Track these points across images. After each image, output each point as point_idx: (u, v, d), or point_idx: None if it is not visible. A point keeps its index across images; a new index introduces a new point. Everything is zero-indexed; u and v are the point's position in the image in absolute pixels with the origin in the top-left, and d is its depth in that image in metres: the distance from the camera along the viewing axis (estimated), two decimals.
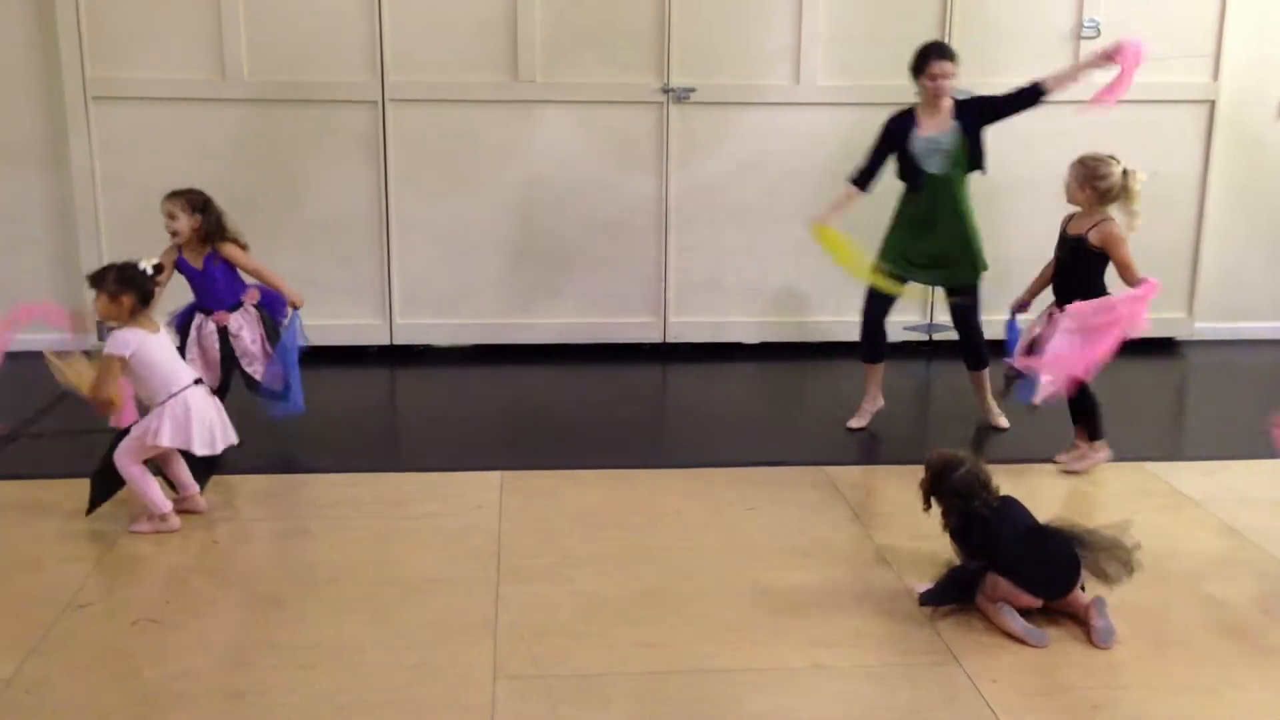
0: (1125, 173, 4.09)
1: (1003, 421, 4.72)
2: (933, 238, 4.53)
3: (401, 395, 5.65)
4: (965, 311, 4.67)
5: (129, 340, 3.65)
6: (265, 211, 5.63)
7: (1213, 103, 5.91)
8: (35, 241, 5.74)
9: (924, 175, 4.48)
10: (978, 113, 4.53)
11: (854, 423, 4.69)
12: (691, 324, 5.92)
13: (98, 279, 3.72)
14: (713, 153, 5.76)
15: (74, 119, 5.49)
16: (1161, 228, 6.01)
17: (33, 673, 2.86)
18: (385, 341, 5.84)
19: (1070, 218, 4.29)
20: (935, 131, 4.47)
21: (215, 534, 3.69)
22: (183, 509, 3.77)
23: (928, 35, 5.74)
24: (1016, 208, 5.88)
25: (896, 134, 4.52)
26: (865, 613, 3.22)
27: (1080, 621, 3.11)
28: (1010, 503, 3.23)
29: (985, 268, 4.64)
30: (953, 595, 3.21)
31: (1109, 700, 2.81)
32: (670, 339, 5.94)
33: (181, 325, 4.35)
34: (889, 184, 4.61)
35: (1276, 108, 6.07)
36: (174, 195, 4.33)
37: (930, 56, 4.43)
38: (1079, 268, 4.16)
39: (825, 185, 5.59)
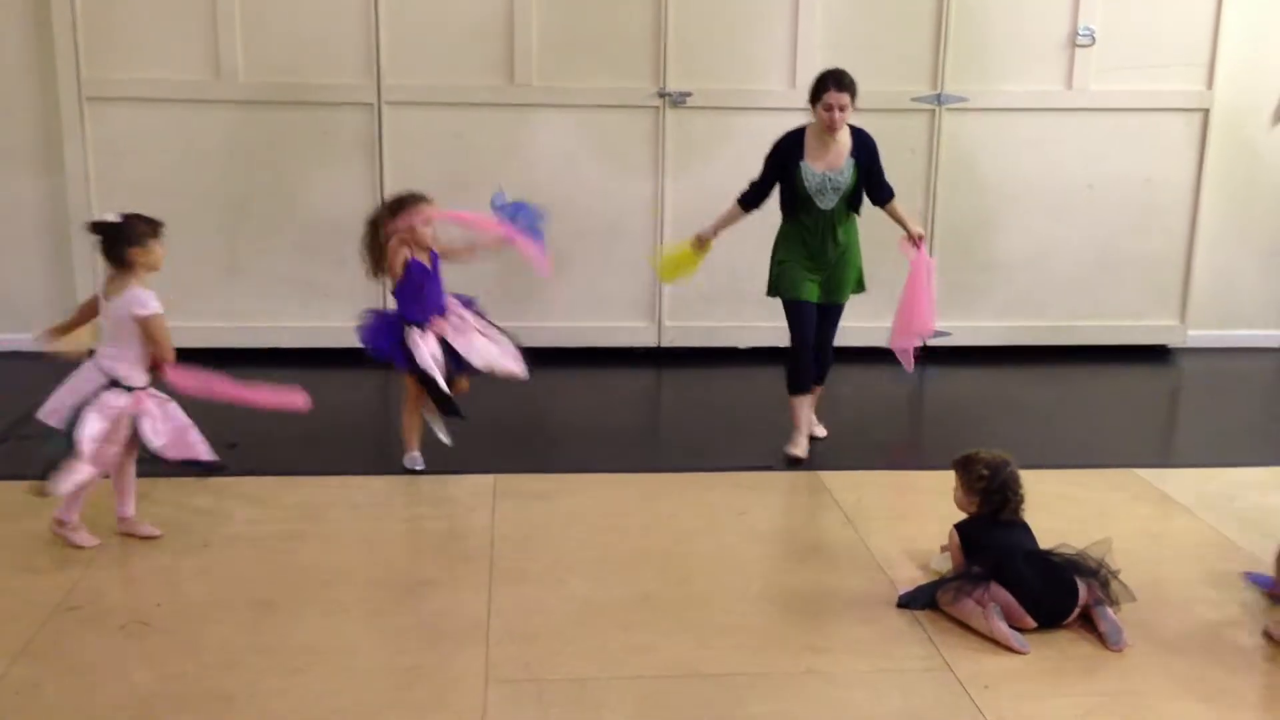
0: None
1: (820, 431, 4.65)
2: (821, 261, 4.38)
3: (395, 398, 5.62)
4: (829, 327, 4.48)
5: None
6: (260, 214, 5.64)
7: (1206, 111, 5.93)
8: (28, 243, 5.72)
9: (815, 210, 4.32)
10: (869, 158, 4.38)
11: (794, 450, 4.44)
12: (686, 328, 5.92)
13: (151, 228, 3.64)
14: (709, 157, 5.76)
15: (68, 120, 5.48)
16: (1154, 235, 6.03)
17: (23, 675, 2.85)
18: None
19: None
20: (827, 168, 4.30)
21: (207, 536, 3.68)
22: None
23: (924, 42, 5.79)
24: (1006, 215, 5.89)
25: (785, 159, 4.36)
26: (859, 618, 3.22)
27: (1068, 626, 3.14)
28: (1026, 525, 3.32)
29: (863, 289, 4.53)
30: (930, 598, 3.24)
31: (1101, 707, 2.81)
32: (665, 343, 5.94)
33: (390, 344, 4.22)
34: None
35: (1270, 116, 6.10)
36: (427, 199, 4.22)
37: (827, 85, 4.25)
38: None
39: None
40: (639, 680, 2.89)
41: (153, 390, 3.64)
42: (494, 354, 4.30)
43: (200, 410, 5.03)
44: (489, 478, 4.18)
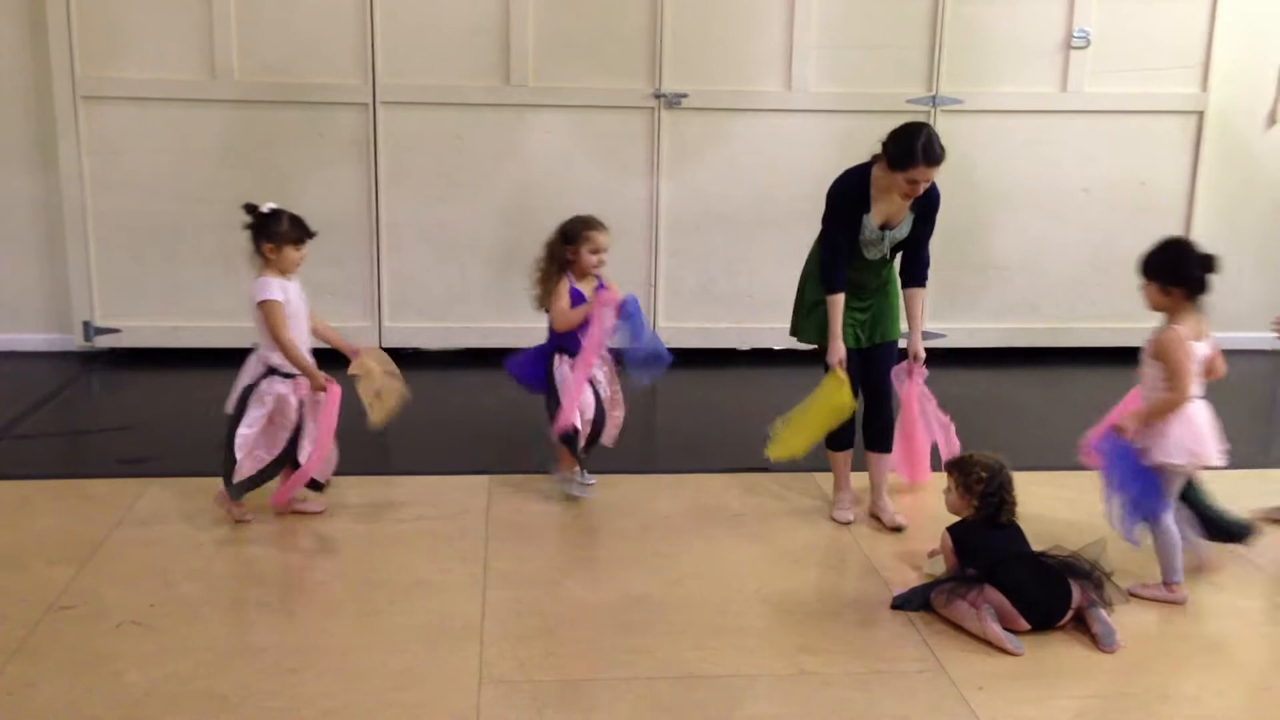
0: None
1: (900, 520, 3.86)
2: (861, 292, 3.85)
3: None
4: (881, 373, 3.94)
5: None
6: None
7: (1201, 113, 5.94)
8: (23, 241, 5.72)
9: (860, 258, 3.80)
10: (928, 212, 3.81)
11: (837, 515, 3.92)
12: (682, 329, 5.92)
13: (294, 233, 3.68)
14: (704, 158, 5.77)
15: (63, 118, 5.47)
16: (1149, 237, 5.95)
17: (16, 674, 2.84)
18: (374, 344, 5.83)
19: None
20: (886, 222, 3.77)
21: (201, 537, 3.67)
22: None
23: (920, 44, 5.79)
24: (1001, 217, 5.90)
25: (854, 211, 3.75)
26: (852, 619, 3.23)
27: (1061, 628, 3.14)
28: (1018, 527, 3.33)
29: (900, 334, 3.96)
30: (924, 599, 3.25)
31: (1093, 708, 2.82)
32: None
33: (537, 374, 4.03)
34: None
35: (1264, 118, 6.11)
36: (601, 226, 4.00)
37: (917, 160, 3.55)
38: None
39: (817, 192, 5.61)
40: (633, 681, 2.89)
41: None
42: (614, 424, 4.07)
43: (196, 410, 5.05)
44: (484, 478, 4.18)
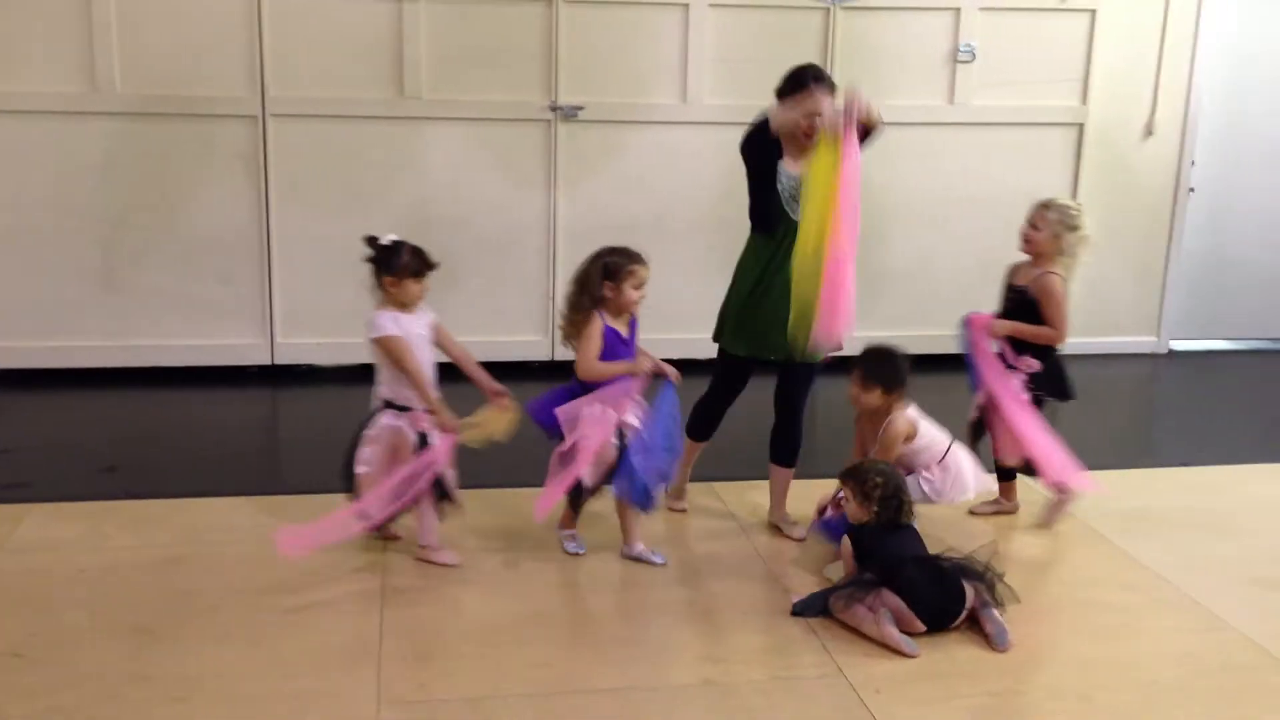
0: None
1: (798, 533, 3.86)
2: (782, 299, 3.59)
3: (283, 416, 5.52)
4: (799, 389, 3.88)
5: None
6: (139, 228, 5.47)
7: (1081, 125, 6.13)
8: None
9: (783, 221, 3.66)
10: None
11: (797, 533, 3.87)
12: None
13: (416, 265, 3.53)
14: (601, 171, 5.77)
15: None
16: None
17: None
18: (266, 361, 5.71)
19: (1016, 268, 4.01)
20: (803, 169, 3.62)
21: (84, 562, 3.55)
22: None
23: (812, 56, 5.84)
24: (891, 227, 6.01)
25: (767, 156, 3.66)
26: (754, 627, 3.24)
27: (956, 628, 3.21)
28: (914, 530, 3.40)
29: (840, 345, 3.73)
30: (824, 605, 3.28)
31: (987, 707, 2.88)
32: (558, 357, 5.91)
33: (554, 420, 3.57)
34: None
35: (1141, 130, 6.33)
36: (644, 260, 3.57)
37: (806, 82, 3.59)
38: (1020, 317, 3.91)
39: (713, 204, 5.68)
40: (533, 698, 2.86)
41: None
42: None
43: (77, 432, 4.89)
44: None
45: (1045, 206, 3.87)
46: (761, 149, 3.67)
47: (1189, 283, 6.62)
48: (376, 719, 2.75)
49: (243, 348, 5.69)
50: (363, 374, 5.72)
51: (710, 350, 3.94)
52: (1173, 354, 6.63)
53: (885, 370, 3.77)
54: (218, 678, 2.90)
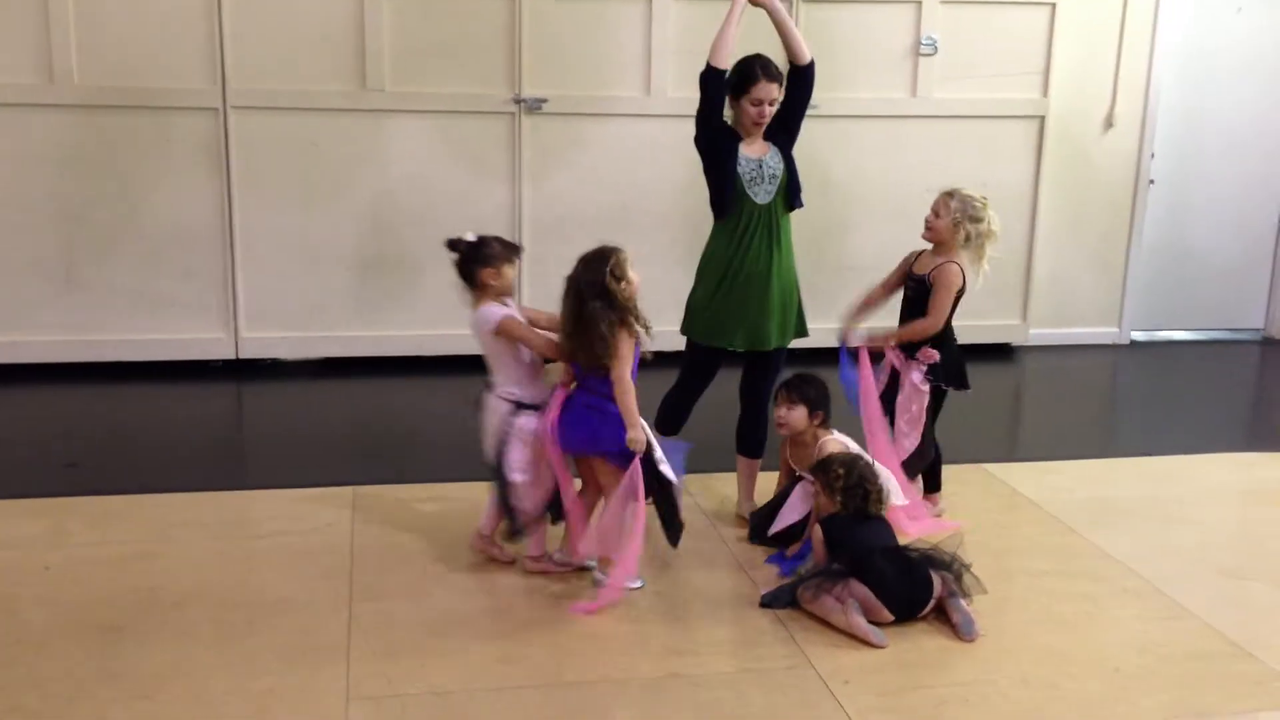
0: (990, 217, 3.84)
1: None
2: (749, 288, 3.72)
3: (248, 411, 5.48)
4: (766, 380, 3.90)
5: None
6: (98, 223, 5.41)
7: (1043, 118, 6.19)
8: None
9: (745, 205, 3.70)
10: (786, 130, 3.79)
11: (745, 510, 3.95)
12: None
13: (506, 251, 3.47)
14: (565, 163, 5.76)
15: None
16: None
17: None
18: (230, 356, 5.66)
19: (918, 255, 3.98)
20: (759, 153, 3.73)
21: (47, 559, 3.50)
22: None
23: (776, 49, 5.84)
24: (856, 219, 6.04)
25: (726, 139, 3.71)
26: (721, 619, 3.26)
27: (923, 618, 3.23)
28: (885, 521, 3.43)
29: (806, 332, 3.93)
30: (792, 597, 3.30)
31: (955, 696, 2.90)
32: None
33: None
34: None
35: (1102, 122, 6.39)
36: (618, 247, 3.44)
37: (756, 75, 3.67)
38: (922, 306, 3.91)
39: (677, 196, 5.68)
40: (502, 691, 2.86)
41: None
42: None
43: (37, 429, 4.83)
44: (347, 489, 4.09)
45: (949, 195, 3.85)
46: (720, 134, 3.73)
47: (1150, 274, 6.70)
48: (345, 715, 2.73)
49: (206, 342, 5.63)
50: (326, 368, 5.72)
51: (677, 342, 3.94)
52: (1134, 344, 6.71)
53: (810, 390, 3.75)
54: (185, 676, 2.88)
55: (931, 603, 3.22)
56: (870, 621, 3.14)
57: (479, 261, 3.45)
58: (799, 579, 3.35)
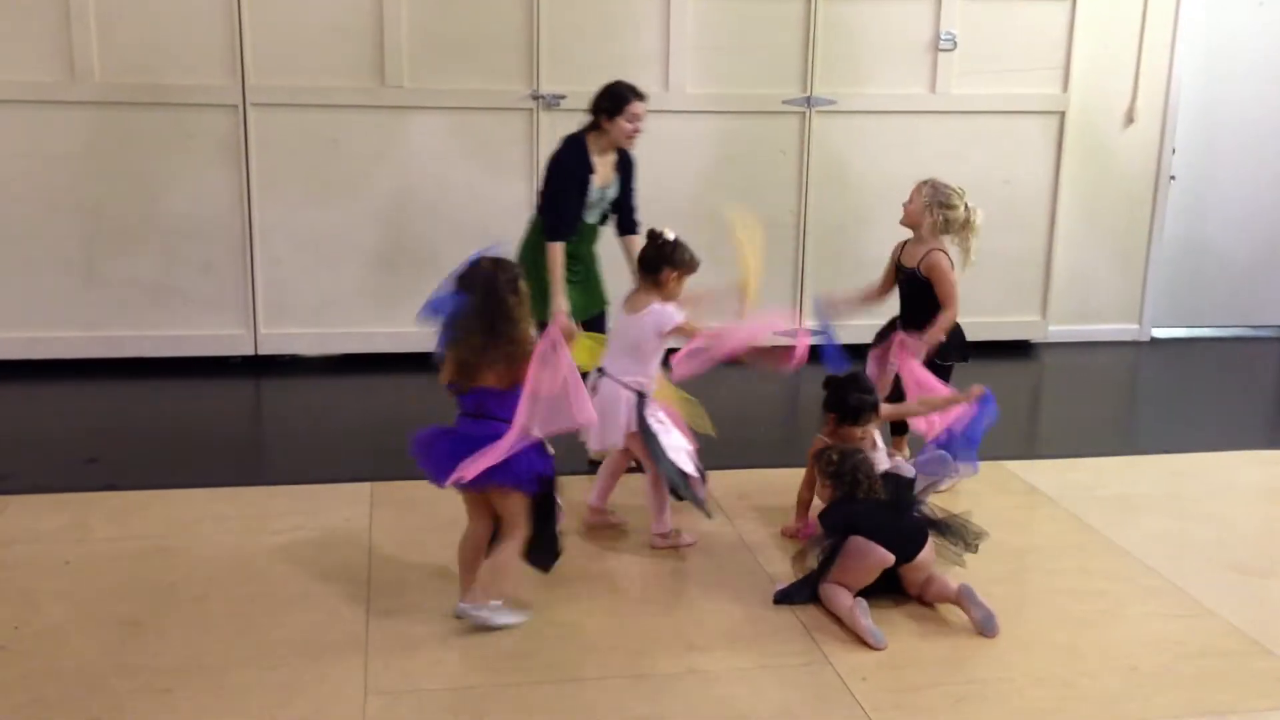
0: (968, 208, 4.14)
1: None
2: (586, 281, 4.37)
3: (267, 406, 5.50)
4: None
5: None
6: (118, 219, 5.44)
7: (1062, 113, 6.15)
8: None
9: (580, 224, 4.27)
10: (630, 176, 4.37)
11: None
12: None
13: (691, 266, 3.62)
14: None
15: None
16: (1016, 234, 6.23)
17: None
18: (249, 352, 5.69)
19: (902, 247, 4.26)
20: (604, 183, 4.28)
21: (67, 554, 3.53)
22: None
23: (794, 44, 5.88)
24: (875, 215, 6.01)
25: (585, 175, 4.21)
26: (738, 615, 3.25)
27: (934, 604, 3.27)
28: (875, 502, 3.43)
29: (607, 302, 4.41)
30: (806, 593, 3.30)
31: (972, 694, 2.89)
32: None
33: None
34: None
35: (1122, 117, 6.36)
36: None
37: (629, 98, 4.14)
38: (917, 298, 4.18)
39: (696, 192, 5.68)
40: (519, 687, 2.86)
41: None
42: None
43: (58, 424, 4.87)
44: (365, 485, 4.10)
45: (924, 182, 4.09)
46: (582, 167, 4.18)
47: (1171, 270, 6.65)
48: (363, 709, 2.74)
49: (225, 338, 5.66)
50: (345, 364, 5.74)
51: None
52: (1155, 341, 6.67)
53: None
54: (204, 668, 2.89)
55: (927, 542, 3.27)
56: (874, 567, 3.18)
57: (670, 262, 3.59)
58: (813, 574, 3.34)
